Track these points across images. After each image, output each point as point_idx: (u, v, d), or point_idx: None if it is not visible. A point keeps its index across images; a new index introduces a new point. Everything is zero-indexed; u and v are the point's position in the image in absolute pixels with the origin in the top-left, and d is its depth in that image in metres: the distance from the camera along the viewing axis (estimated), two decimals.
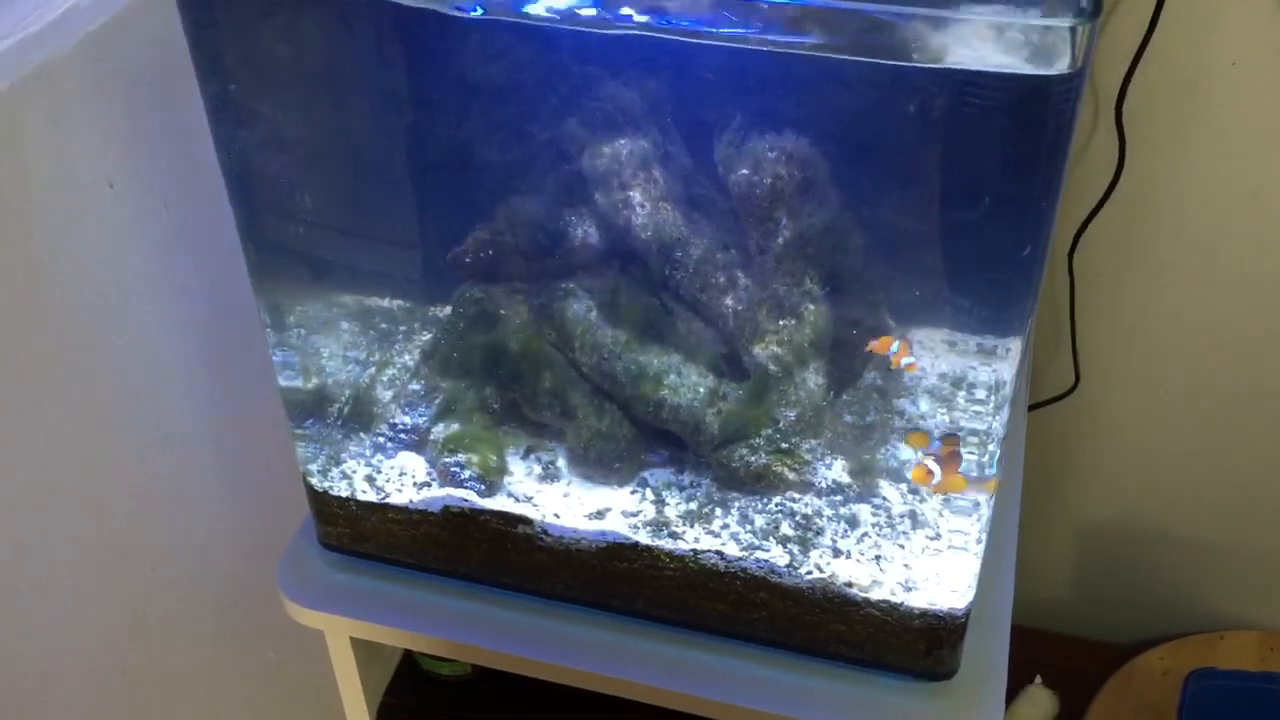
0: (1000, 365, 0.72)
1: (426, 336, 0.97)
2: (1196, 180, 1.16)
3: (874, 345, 0.79)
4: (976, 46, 0.59)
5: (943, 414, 0.88)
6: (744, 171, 0.77)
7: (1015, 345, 0.70)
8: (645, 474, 0.88)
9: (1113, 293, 1.26)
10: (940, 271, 0.75)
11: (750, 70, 0.72)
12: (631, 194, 0.81)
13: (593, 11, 0.66)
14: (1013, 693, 1.45)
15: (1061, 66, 0.58)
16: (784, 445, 0.84)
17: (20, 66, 0.75)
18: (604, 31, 0.67)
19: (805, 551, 0.82)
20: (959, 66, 0.60)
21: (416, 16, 0.75)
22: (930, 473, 0.77)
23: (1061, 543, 1.52)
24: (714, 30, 0.63)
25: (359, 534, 0.91)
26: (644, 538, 0.84)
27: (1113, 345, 1.31)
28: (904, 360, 0.78)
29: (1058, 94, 0.59)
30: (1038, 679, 1.47)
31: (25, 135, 0.77)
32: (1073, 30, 0.57)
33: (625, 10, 0.65)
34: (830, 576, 0.81)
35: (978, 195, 0.68)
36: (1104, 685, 1.46)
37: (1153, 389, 1.34)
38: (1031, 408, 1.33)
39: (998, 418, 0.74)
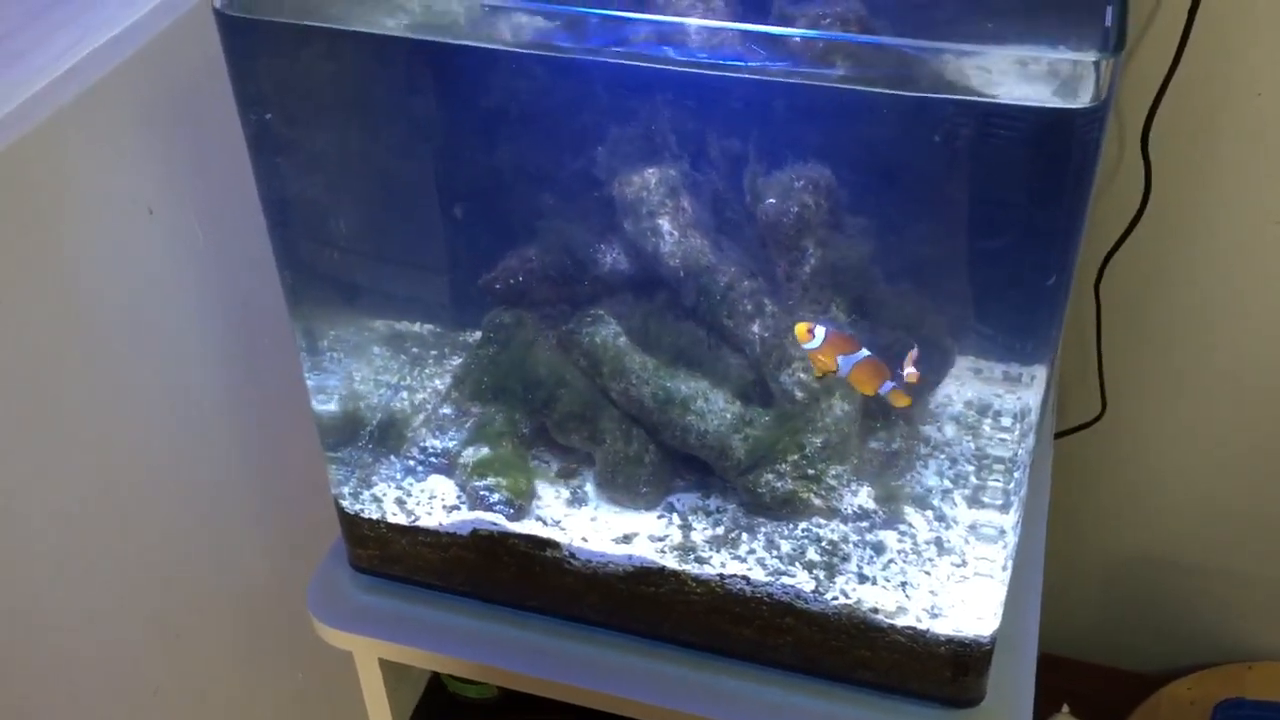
0: (1025, 393, 0.72)
1: (457, 361, 0.99)
2: (1223, 210, 1.17)
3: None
4: (1002, 79, 0.60)
5: (969, 440, 0.88)
6: (771, 200, 0.78)
7: (1040, 373, 0.71)
8: (672, 499, 0.89)
9: (1139, 321, 1.27)
10: (966, 300, 0.76)
11: (778, 101, 0.74)
12: (660, 222, 0.82)
13: (627, 46, 0.67)
14: None
15: (1085, 99, 0.58)
16: (810, 471, 0.84)
17: (63, 96, 0.77)
18: (637, 65, 0.68)
19: (831, 577, 0.83)
20: (984, 99, 0.61)
21: (450, 47, 0.76)
22: (811, 333, 0.76)
23: (1089, 570, 1.52)
24: (743, 64, 0.64)
25: (389, 556, 0.92)
26: (671, 562, 0.84)
27: (1139, 373, 1.31)
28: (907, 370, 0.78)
29: (1082, 126, 0.60)
30: (1065, 708, 1.46)
31: (67, 163, 0.79)
32: (1097, 64, 0.58)
33: (658, 45, 0.66)
34: (856, 602, 0.81)
35: (1003, 225, 0.69)
36: (1131, 715, 1.45)
37: (1179, 417, 1.33)
38: (1058, 435, 1.32)
39: (1023, 445, 0.74)
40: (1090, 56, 0.58)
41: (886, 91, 0.64)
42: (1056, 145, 0.62)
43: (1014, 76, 0.60)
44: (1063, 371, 1.30)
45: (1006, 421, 0.76)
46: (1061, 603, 1.50)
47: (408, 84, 0.83)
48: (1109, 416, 1.32)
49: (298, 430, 0.97)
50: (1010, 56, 0.60)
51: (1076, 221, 0.65)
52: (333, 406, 0.90)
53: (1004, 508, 0.78)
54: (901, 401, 0.76)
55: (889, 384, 0.75)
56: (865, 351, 0.76)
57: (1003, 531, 0.79)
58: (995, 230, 0.72)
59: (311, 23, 0.71)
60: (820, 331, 0.75)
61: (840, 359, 0.76)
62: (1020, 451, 0.75)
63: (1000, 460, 0.77)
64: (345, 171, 0.86)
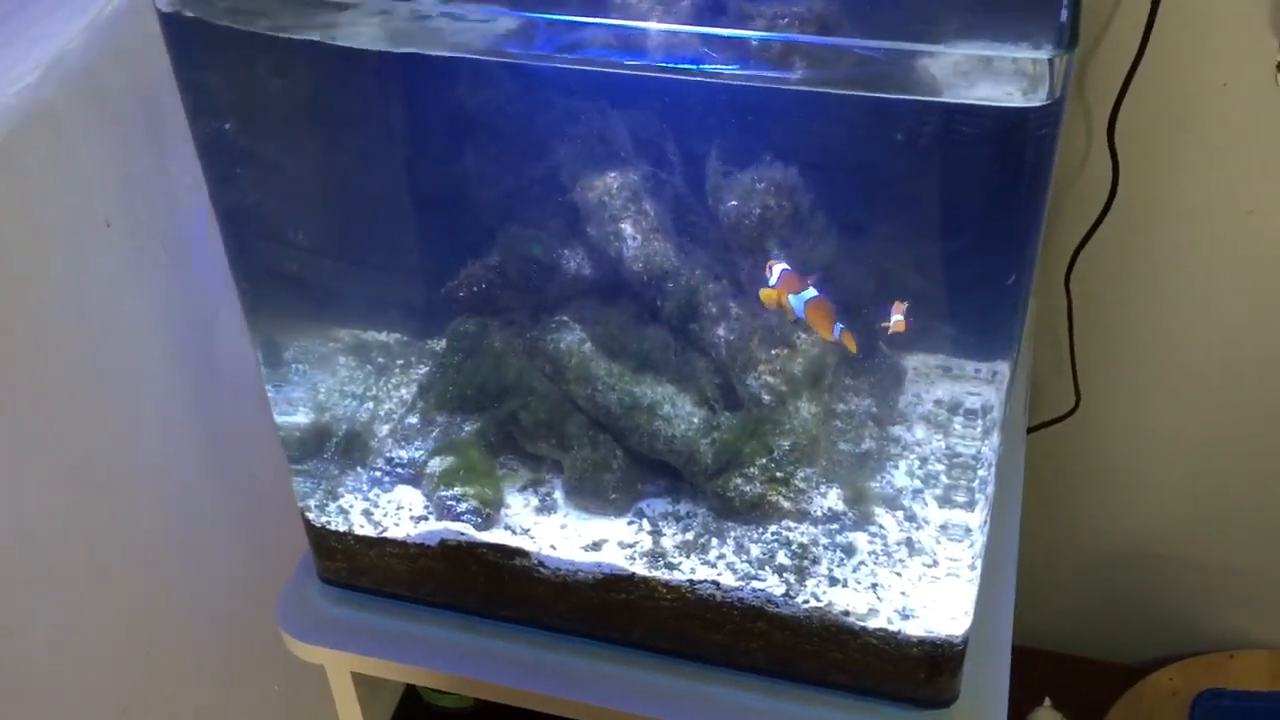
0: (988, 390, 0.72)
1: (422, 370, 0.98)
2: (1192, 201, 1.17)
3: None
4: (958, 78, 0.60)
5: (938, 440, 0.88)
6: (733, 202, 0.78)
7: (1004, 370, 0.71)
8: (641, 504, 0.88)
9: (1111, 313, 1.26)
10: (928, 298, 0.76)
11: (738, 102, 0.73)
12: (623, 226, 0.81)
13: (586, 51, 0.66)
14: (1021, 715, 1.44)
15: (1040, 97, 0.58)
16: (779, 474, 0.84)
17: (17, 108, 0.76)
18: (596, 70, 0.68)
19: (802, 580, 0.82)
20: (939, 99, 0.60)
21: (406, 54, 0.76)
22: (770, 269, 0.76)
23: (1068, 563, 1.52)
24: (697, 67, 0.64)
25: (358, 568, 0.91)
26: (641, 568, 0.84)
27: (1113, 365, 1.31)
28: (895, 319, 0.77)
29: (1038, 124, 0.60)
30: (1047, 701, 1.46)
31: (21, 177, 0.78)
32: (1051, 62, 0.57)
33: (615, 49, 0.66)
34: (827, 605, 0.81)
35: (962, 224, 0.69)
36: (1113, 706, 1.45)
37: (1154, 408, 1.33)
38: (1032, 429, 1.32)
39: (987, 442, 0.74)
40: (1044, 54, 0.57)
41: (844, 92, 0.64)
42: (1013, 143, 0.62)
43: (970, 75, 0.59)
44: (1036, 366, 1.30)
45: (970, 419, 0.75)
46: (1041, 596, 1.50)
47: (362, 87, 0.82)
48: (1083, 409, 1.32)
49: (268, 442, 0.96)
50: (965, 55, 0.59)
51: (1035, 219, 0.64)
52: (296, 419, 0.90)
53: (970, 505, 0.78)
54: (850, 344, 0.76)
55: (839, 326, 0.75)
56: (814, 291, 0.75)
57: (969, 530, 0.78)
58: (955, 229, 0.71)
59: (255, 28, 0.70)
60: (778, 270, 0.76)
61: (791, 298, 0.75)
62: (984, 449, 0.75)
63: (965, 458, 0.77)
64: (299, 178, 0.85)
